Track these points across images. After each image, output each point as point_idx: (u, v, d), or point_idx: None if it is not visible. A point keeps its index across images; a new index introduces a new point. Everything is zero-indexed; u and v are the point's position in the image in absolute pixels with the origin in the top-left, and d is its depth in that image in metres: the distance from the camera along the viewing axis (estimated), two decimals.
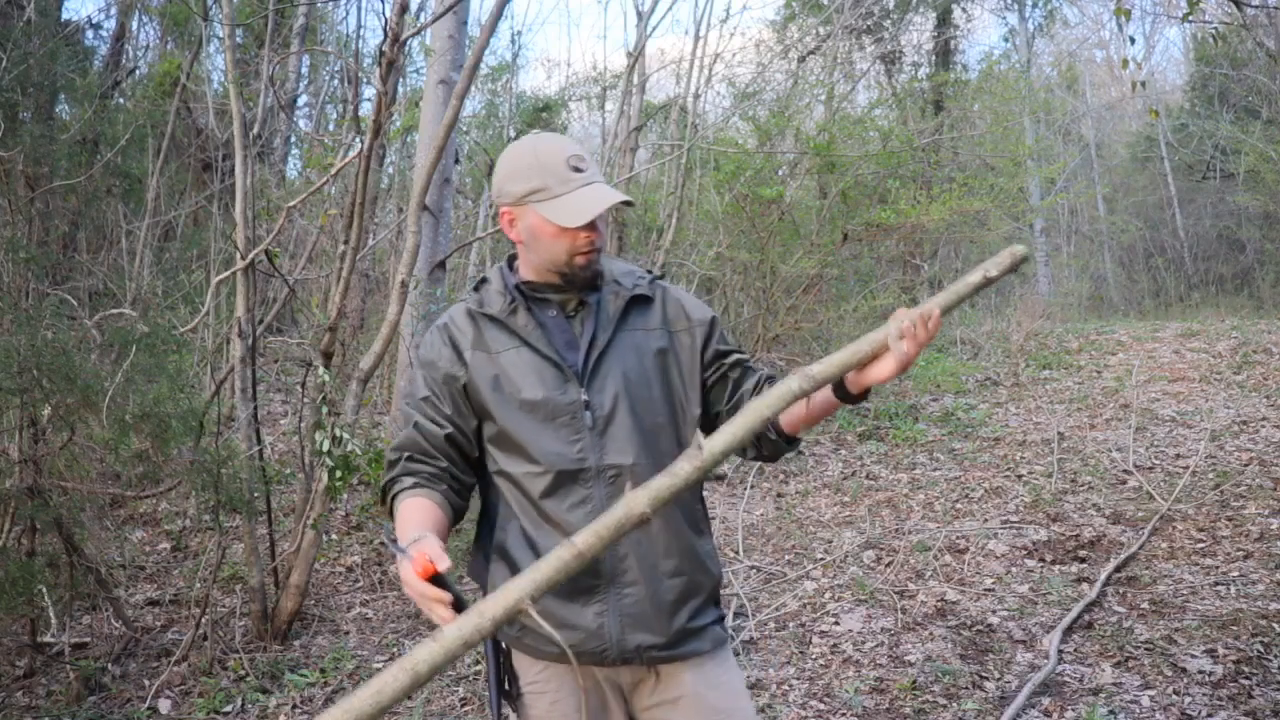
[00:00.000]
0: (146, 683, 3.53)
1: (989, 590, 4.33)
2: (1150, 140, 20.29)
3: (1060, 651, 3.56)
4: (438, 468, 1.61)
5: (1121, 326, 11.96)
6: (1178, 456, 6.16)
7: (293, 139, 10.49)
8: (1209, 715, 3.05)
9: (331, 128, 10.56)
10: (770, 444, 1.64)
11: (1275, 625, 3.64)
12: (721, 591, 1.81)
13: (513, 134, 12.49)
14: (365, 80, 5.79)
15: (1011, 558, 4.72)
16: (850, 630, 3.97)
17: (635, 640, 1.59)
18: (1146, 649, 3.56)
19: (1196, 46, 18.93)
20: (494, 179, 1.67)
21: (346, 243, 4.05)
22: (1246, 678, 3.26)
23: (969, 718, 3.19)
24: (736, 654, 3.74)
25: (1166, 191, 19.14)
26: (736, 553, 5.07)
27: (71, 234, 6.57)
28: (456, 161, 7.43)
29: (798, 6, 14.30)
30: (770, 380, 1.66)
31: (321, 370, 3.91)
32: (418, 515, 1.51)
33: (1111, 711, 3.12)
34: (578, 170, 1.58)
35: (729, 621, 4.07)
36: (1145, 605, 3.99)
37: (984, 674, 3.50)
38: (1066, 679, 3.39)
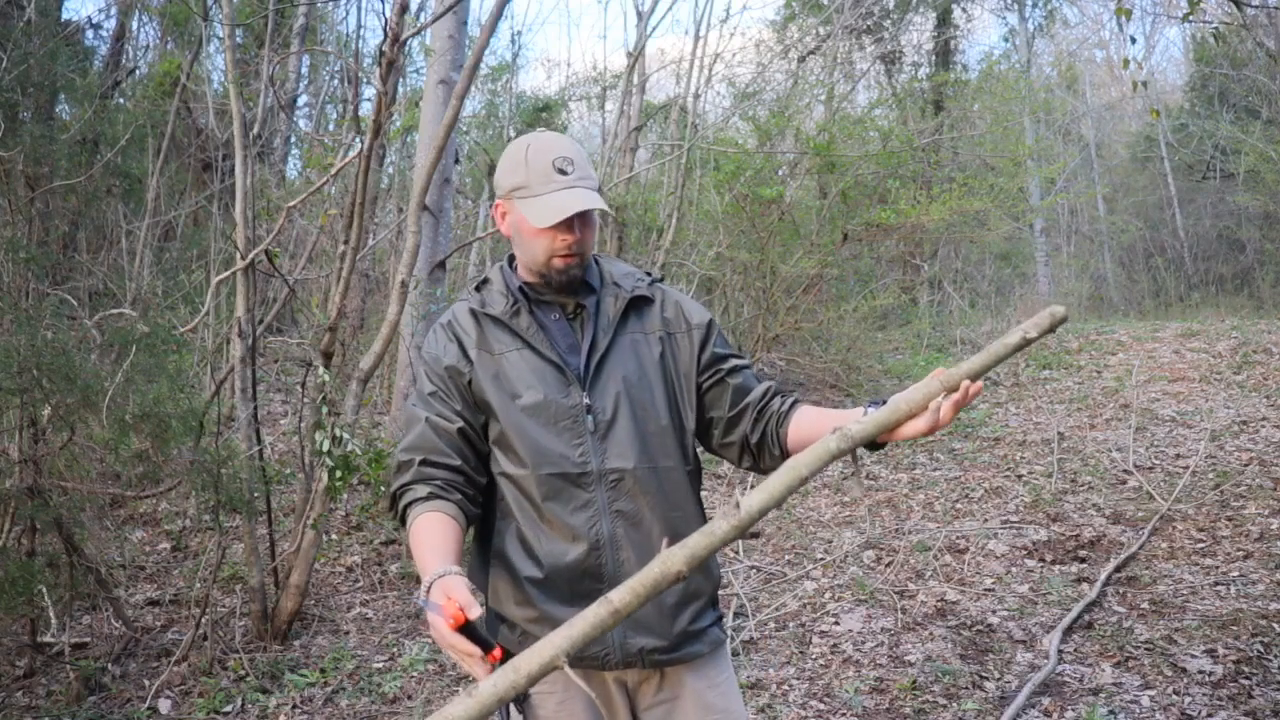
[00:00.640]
0: (146, 683, 3.53)
1: (989, 590, 4.33)
2: (1150, 140, 20.29)
3: (1060, 651, 3.56)
4: (452, 469, 1.59)
5: (1121, 326, 11.96)
6: (1178, 456, 6.16)
7: (293, 139, 10.49)
8: (1209, 715, 3.05)
9: (331, 128, 10.56)
10: (771, 459, 1.67)
11: (1275, 625, 3.64)
12: (721, 592, 1.81)
13: (512, 134, 12.48)
14: (365, 80, 5.79)
15: (1011, 558, 4.72)
16: (850, 630, 3.97)
17: (638, 644, 1.60)
18: (1146, 649, 3.56)
19: (1196, 47, 18.93)
20: (496, 172, 1.70)
21: (346, 243, 4.05)
22: (1246, 678, 3.26)
23: (969, 718, 3.19)
24: (736, 654, 3.75)
25: (1166, 191, 19.14)
26: (736, 553, 5.07)
27: (71, 234, 6.56)
28: (456, 161, 7.43)
29: (798, 6, 14.31)
30: (779, 394, 1.68)
31: (321, 370, 3.91)
32: (436, 537, 1.48)
33: (1111, 711, 3.12)
34: (562, 173, 1.58)
35: (729, 621, 4.07)
36: (1145, 605, 3.99)
37: (984, 674, 3.50)
38: (1066, 679, 3.39)
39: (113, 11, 9.03)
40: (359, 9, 13.76)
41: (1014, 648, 3.72)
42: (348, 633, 4.11)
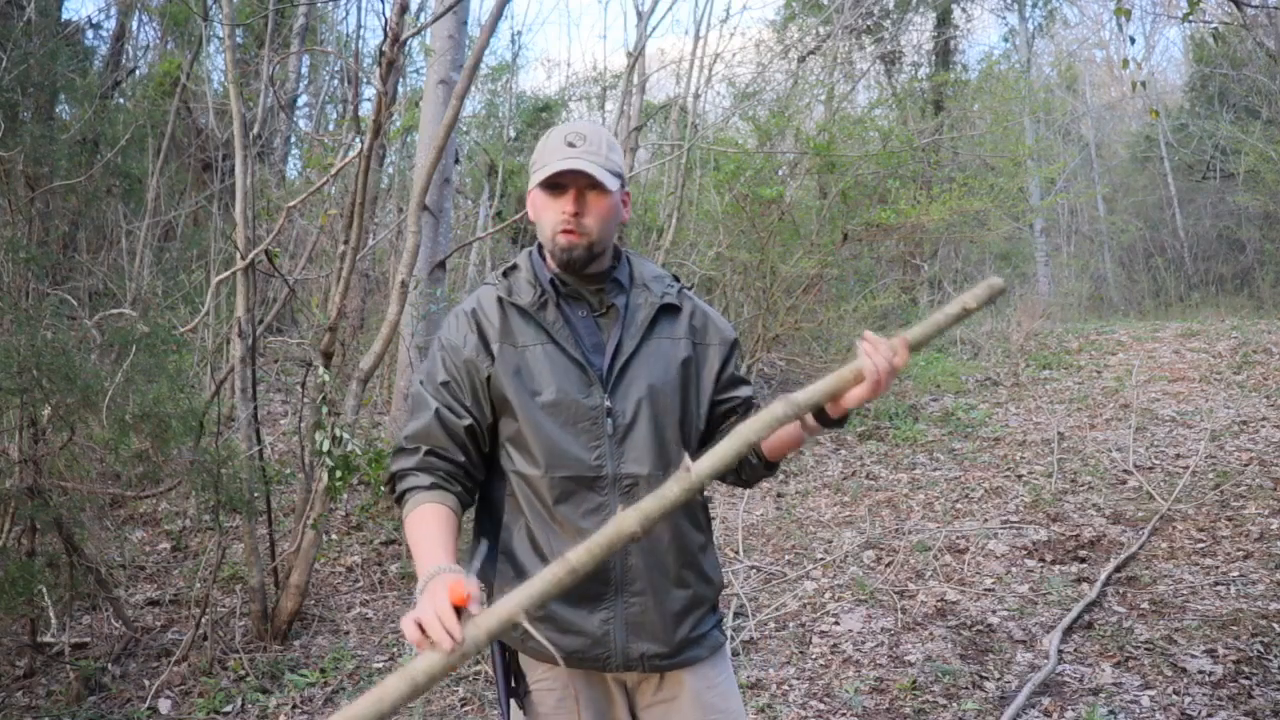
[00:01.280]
0: (146, 683, 3.53)
1: (989, 590, 4.33)
2: (1150, 140, 20.29)
3: (1060, 651, 3.56)
4: (454, 463, 1.58)
5: (1121, 326, 11.96)
6: (1178, 456, 6.16)
7: (293, 139, 10.49)
8: (1209, 715, 3.05)
9: (331, 128, 10.55)
10: (750, 469, 1.67)
11: (1275, 625, 3.64)
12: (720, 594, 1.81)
13: (513, 134, 12.49)
14: (365, 80, 5.79)
15: (1011, 558, 4.72)
16: (850, 630, 3.97)
17: (639, 649, 1.59)
18: (1146, 649, 3.56)
19: (1196, 47, 18.92)
20: None
21: (346, 243, 4.05)
22: (1246, 678, 3.26)
23: (969, 718, 3.19)
24: (736, 654, 3.75)
25: (1166, 191, 19.13)
26: (736, 553, 5.07)
27: (71, 234, 6.56)
28: (456, 161, 7.43)
29: (798, 6, 14.30)
30: (756, 407, 1.68)
31: (321, 370, 3.91)
32: (435, 529, 1.48)
33: (1111, 711, 3.12)
34: (571, 145, 1.60)
35: (729, 622, 4.07)
36: (1145, 605, 3.99)
37: (984, 674, 3.50)
38: (1066, 679, 3.39)
39: (113, 11, 9.03)
40: (359, 9, 13.74)
41: (1014, 648, 3.72)
42: (348, 633, 4.11)
